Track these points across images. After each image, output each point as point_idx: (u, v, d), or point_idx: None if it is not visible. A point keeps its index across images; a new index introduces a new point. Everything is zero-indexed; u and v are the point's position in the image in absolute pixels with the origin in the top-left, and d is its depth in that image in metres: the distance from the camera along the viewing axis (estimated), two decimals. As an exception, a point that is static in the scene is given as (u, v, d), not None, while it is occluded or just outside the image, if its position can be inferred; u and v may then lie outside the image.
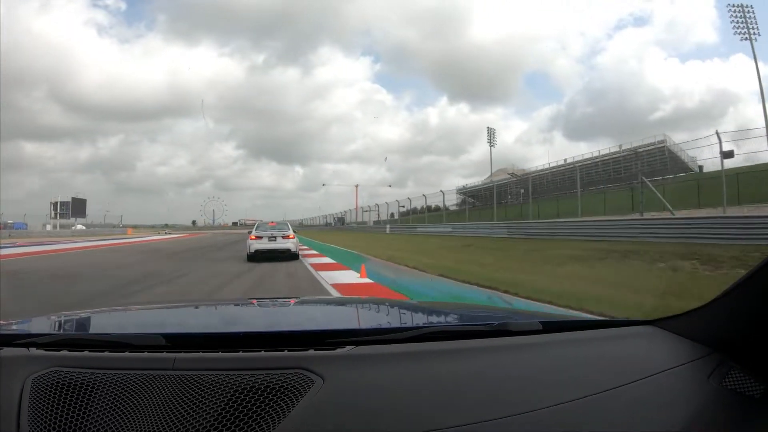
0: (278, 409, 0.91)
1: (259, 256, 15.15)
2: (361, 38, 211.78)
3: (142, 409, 0.93)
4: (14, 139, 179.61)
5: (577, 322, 1.47)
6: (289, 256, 15.44)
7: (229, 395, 0.94)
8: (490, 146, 78.85)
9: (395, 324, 1.50)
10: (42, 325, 1.58)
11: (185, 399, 0.94)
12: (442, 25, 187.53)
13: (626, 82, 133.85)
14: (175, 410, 0.92)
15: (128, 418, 0.91)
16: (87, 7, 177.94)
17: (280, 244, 15.63)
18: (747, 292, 1.01)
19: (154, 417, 0.91)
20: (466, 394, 0.96)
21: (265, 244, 15.54)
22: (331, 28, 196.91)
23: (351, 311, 2.10)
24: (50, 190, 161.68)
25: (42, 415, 0.95)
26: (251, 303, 2.19)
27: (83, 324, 1.65)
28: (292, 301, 2.27)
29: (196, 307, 2.20)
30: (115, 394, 0.96)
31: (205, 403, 0.93)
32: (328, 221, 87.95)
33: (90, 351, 1.11)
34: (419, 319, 1.73)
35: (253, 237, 15.85)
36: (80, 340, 1.18)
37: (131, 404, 0.94)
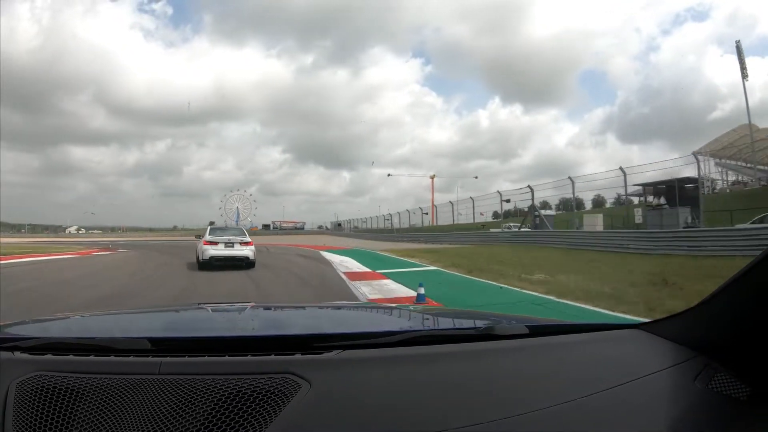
0: (265, 414, 0.91)
1: (213, 264, 13.88)
2: (412, 36, 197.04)
3: (128, 414, 0.92)
4: (61, 143, 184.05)
5: (563, 326, 1.47)
6: (246, 264, 14.36)
7: (215, 400, 0.93)
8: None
9: (382, 328, 1.48)
10: (27, 328, 1.52)
11: (171, 404, 0.93)
12: (497, 20, 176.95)
13: (683, 80, 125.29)
14: (161, 415, 0.91)
15: (113, 424, 0.91)
16: (133, 11, 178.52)
17: (237, 251, 14.52)
18: (731, 296, 1.03)
19: (140, 422, 0.90)
20: (453, 397, 0.97)
21: (221, 251, 14.34)
22: (381, 25, 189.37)
23: (338, 315, 2.11)
24: (99, 194, 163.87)
25: (26, 419, 0.94)
26: (238, 307, 2.16)
27: (68, 328, 1.65)
28: (280, 305, 2.44)
29: (183, 312, 2.16)
30: (101, 399, 0.95)
31: (192, 408, 0.92)
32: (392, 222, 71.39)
33: (75, 355, 1.11)
34: (406, 324, 1.75)
35: (207, 242, 14.54)
36: (65, 343, 1.17)
37: (117, 409, 0.93)
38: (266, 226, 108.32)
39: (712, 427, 0.95)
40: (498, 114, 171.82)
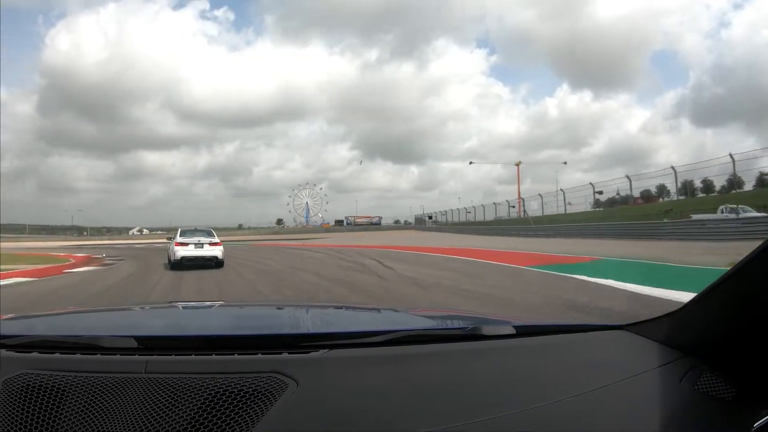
0: (252, 413, 0.91)
1: (185, 264, 14.82)
2: (475, 26, 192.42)
3: (114, 413, 0.92)
4: (135, 149, 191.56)
5: (550, 327, 1.49)
6: (216, 263, 15.24)
7: (202, 399, 0.93)
8: None
9: (370, 328, 1.46)
10: (12, 326, 1.50)
11: (157, 403, 0.92)
12: (562, 3, 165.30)
13: (758, 57, 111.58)
14: (147, 414, 0.91)
15: (99, 422, 0.90)
16: (196, 19, 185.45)
17: (207, 251, 15.50)
18: (718, 297, 1.03)
19: (126, 421, 0.90)
20: (439, 397, 0.97)
21: (191, 251, 15.32)
22: (444, 16, 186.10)
23: (326, 315, 2.10)
24: (173, 197, 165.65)
25: (12, 418, 0.93)
26: (226, 306, 2.19)
27: (55, 325, 1.63)
28: (268, 304, 2.50)
29: (170, 310, 2.12)
30: (87, 398, 0.94)
31: (178, 407, 0.92)
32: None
33: (61, 353, 1.10)
34: (393, 323, 1.75)
35: (178, 243, 15.54)
36: (51, 341, 1.17)
37: (102, 408, 0.92)
38: (339, 222, 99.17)
39: (698, 428, 0.96)
40: (566, 102, 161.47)
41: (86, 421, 0.90)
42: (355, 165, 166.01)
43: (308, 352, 1.10)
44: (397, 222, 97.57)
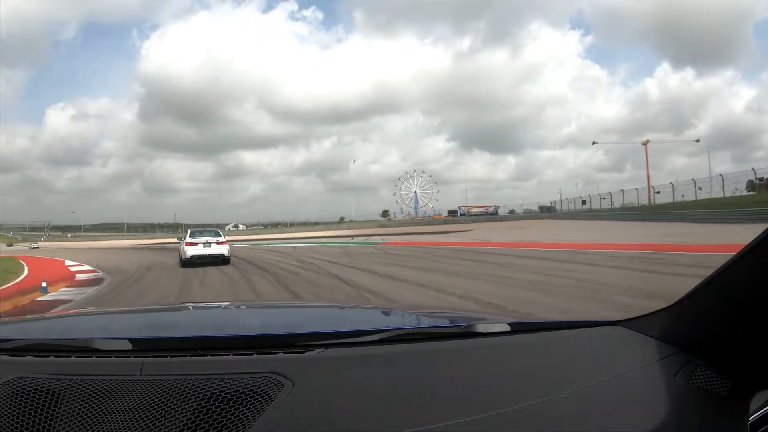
0: (248, 414, 0.90)
1: (194, 262, 16.24)
2: (568, 5, 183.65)
3: (110, 415, 0.91)
4: (233, 149, 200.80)
5: (545, 323, 1.50)
6: (222, 260, 16.64)
7: (197, 400, 0.93)
8: None
9: (365, 326, 1.46)
10: (6, 330, 1.48)
11: (153, 405, 0.92)
12: None
13: None
14: (142, 416, 0.90)
15: (95, 425, 0.90)
16: (285, 20, 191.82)
17: (214, 250, 16.71)
18: (713, 291, 1.03)
19: (122, 423, 0.90)
20: (435, 395, 0.97)
21: (200, 250, 16.59)
22: None
23: (321, 314, 2.08)
24: (271, 193, 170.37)
25: (7, 423, 0.93)
26: (221, 306, 2.15)
27: (49, 328, 1.63)
28: (262, 304, 2.49)
29: (165, 311, 2.13)
30: (82, 401, 0.94)
31: (173, 408, 0.92)
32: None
33: (56, 356, 1.10)
34: (389, 322, 1.75)
35: (188, 243, 16.87)
36: (46, 345, 1.17)
37: (98, 411, 0.92)
38: (452, 213, 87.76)
39: (693, 422, 0.96)
40: (667, 81, 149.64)
41: (82, 425, 0.90)
42: (452, 157, 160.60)
43: (304, 352, 1.09)
44: (512, 212, 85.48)
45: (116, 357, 1.08)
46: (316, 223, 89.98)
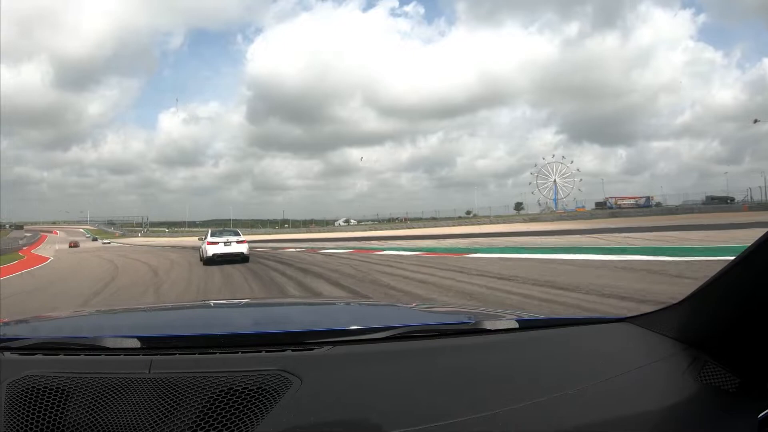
0: (256, 411, 0.91)
1: (215, 260, 16.96)
2: None
3: (119, 412, 0.92)
4: (340, 147, 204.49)
5: (552, 320, 1.49)
6: (241, 259, 17.45)
7: (206, 397, 0.93)
8: None
9: (373, 324, 1.44)
10: (16, 329, 1.52)
11: (162, 402, 0.93)
12: None
13: None
14: (152, 413, 0.91)
15: (105, 423, 0.90)
16: (386, 17, 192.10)
17: (234, 249, 17.48)
18: (721, 288, 1.03)
19: (131, 420, 0.90)
20: (443, 392, 0.97)
21: (221, 249, 17.33)
22: None
23: (329, 312, 2.05)
24: (377, 189, 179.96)
25: (17, 421, 0.93)
26: (229, 304, 2.17)
27: (58, 327, 1.63)
28: (270, 302, 2.48)
29: (173, 310, 2.11)
30: (92, 399, 0.94)
31: (183, 405, 0.92)
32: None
33: (65, 355, 1.11)
34: (397, 319, 1.73)
35: (210, 243, 17.62)
36: (55, 343, 1.17)
37: (108, 408, 0.92)
38: (600, 205, 71.61)
39: (702, 419, 0.95)
40: None
41: (92, 422, 0.90)
42: (561, 150, 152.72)
43: (312, 350, 1.09)
44: (658, 204, 67.72)
45: (125, 355, 1.08)
46: (434, 218, 78.49)
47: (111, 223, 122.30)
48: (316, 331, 1.26)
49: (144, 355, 1.08)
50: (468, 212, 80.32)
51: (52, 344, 1.17)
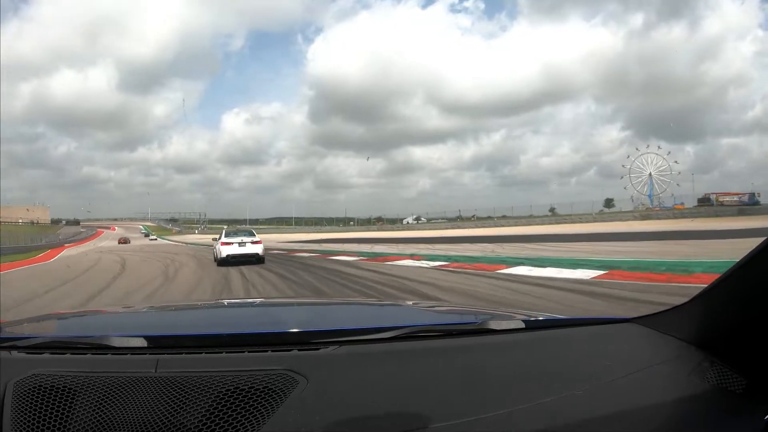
0: (262, 410, 0.91)
1: (230, 261, 16.08)
2: None
3: (126, 411, 0.92)
4: (402, 146, 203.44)
5: (559, 320, 1.48)
6: (256, 260, 16.41)
7: (213, 396, 0.93)
8: None
9: (379, 324, 1.45)
10: (24, 328, 1.52)
11: (169, 400, 0.93)
12: None
13: None
14: (158, 412, 0.91)
15: (111, 421, 0.90)
16: (446, 13, 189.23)
17: (249, 249, 16.52)
18: (727, 290, 1.03)
19: (138, 419, 0.90)
20: (448, 392, 0.97)
21: (235, 250, 16.44)
22: None
23: (335, 311, 2.05)
24: (439, 188, 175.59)
25: (24, 419, 0.93)
26: (235, 304, 2.22)
27: (65, 326, 1.63)
28: (276, 302, 2.47)
29: (180, 309, 2.11)
30: (98, 397, 0.94)
31: (189, 404, 0.92)
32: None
33: (72, 354, 1.11)
34: (403, 319, 1.72)
35: (224, 243, 16.74)
36: (62, 342, 1.18)
37: (114, 407, 0.93)
38: (703, 201, 63.20)
39: (708, 420, 0.95)
40: None
41: (98, 420, 0.90)
42: (626, 147, 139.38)
43: (318, 349, 1.09)
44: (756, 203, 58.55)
45: (132, 354, 1.09)
46: (504, 217, 71.95)
47: (173, 220, 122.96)
48: (321, 331, 1.26)
49: (150, 354, 1.08)
50: (552, 209, 72.48)
51: (58, 343, 1.17)
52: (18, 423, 0.92)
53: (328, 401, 0.93)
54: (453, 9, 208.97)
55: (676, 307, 1.20)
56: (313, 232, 65.63)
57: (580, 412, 0.91)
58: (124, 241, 72.94)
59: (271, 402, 0.91)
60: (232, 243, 16.56)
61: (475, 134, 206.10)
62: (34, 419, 0.92)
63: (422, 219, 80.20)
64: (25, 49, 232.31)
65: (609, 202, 74.76)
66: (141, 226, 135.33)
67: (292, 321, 1.83)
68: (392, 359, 1.08)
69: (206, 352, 1.09)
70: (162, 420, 0.89)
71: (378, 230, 65.23)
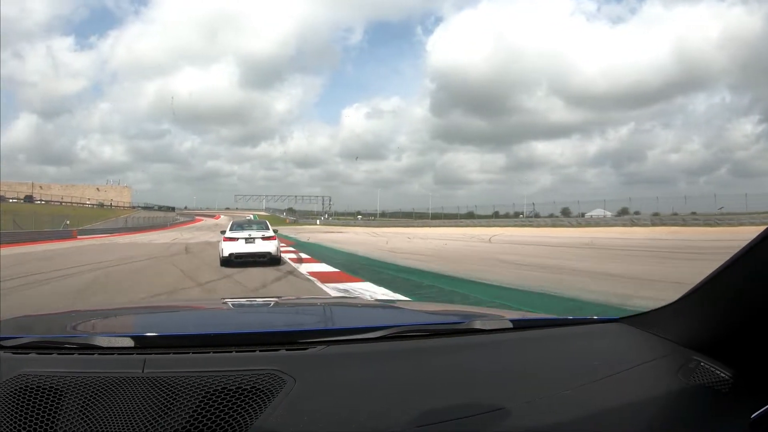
0: (250, 410, 0.90)
1: (234, 262, 12.88)
2: None
3: (113, 411, 0.91)
4: (525, 140, 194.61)
5: (546, 320, 1.49)
6: (269, 260, 13.18)
7: (200, 397, 0.93)
8: None
9: (367, 323, 1.46)
10: (9, 327, 1.49)
11: (156, 401, 0.92)
12: None
13: None
14: (145, 412, 0.90)
15: (98, 421, 0.90)
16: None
17: (258, 247, 13.14)
18: (713, 289, 1.03)
19: (125, 419, 0.90)
20: (437, 391, 0.97)
21: (241, 247, 13.05)
22: None
23: (323, 311, 2.05)
24: (560, 185, 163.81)
25: (10, 420, 0.93)
26: (223, 304, 2.14)
27: (51, 326, 1.62)
28: (264, 301, 2.34)
29: (168, 310, 2.10)
30: (85, 397, 0.94)
31: (176, 404, 0.92)
32: None
33: (59, 354, 1.10)
34: (390, 319, 1.73)
35: (227, 239, 13.38)
36: (49, 342, 1.17)
37: (101, 407, 0.92)
38: None
39: (695, 419, 0.95)
40: None
41: (85, 421, 0.89)
42: (763, 142, 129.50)
43: (306, 349, 1.09)
44: None
45: (119, 354, 1.08)
46: (636, 212, 59.25)
47: (292, 211, 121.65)
48: (309, 331, 1.27)
49: (137, 354, 1.07)
50: (721, 208, 57.85)
51: (45, 343, 1.16)
52: (5, 424, 0.91)
53: (317, 401, 0.92)
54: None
55: (663, 307, 1.20)
56: (450, 226, 57.70)
57: (567, 411, 0.91)
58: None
59: (258, 402, 0.91)
60: (238, 239, 13.20)
61: (601, 128, 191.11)
62: (20, 420, 0.90)
63: (608, 213, 70.03)
64: (147, 49, 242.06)
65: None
66: (250, 216, 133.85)
67: (280, 321, 1.82)
68: (380, 359, 1.08)
69: (194, 352, 1.08)
70: (149, 420, 0.88)
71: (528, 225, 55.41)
